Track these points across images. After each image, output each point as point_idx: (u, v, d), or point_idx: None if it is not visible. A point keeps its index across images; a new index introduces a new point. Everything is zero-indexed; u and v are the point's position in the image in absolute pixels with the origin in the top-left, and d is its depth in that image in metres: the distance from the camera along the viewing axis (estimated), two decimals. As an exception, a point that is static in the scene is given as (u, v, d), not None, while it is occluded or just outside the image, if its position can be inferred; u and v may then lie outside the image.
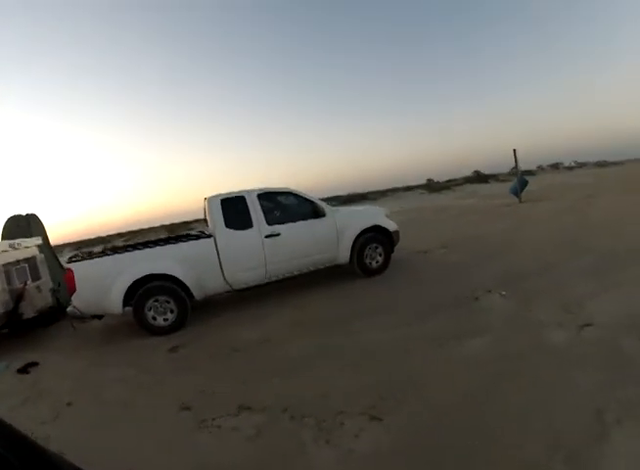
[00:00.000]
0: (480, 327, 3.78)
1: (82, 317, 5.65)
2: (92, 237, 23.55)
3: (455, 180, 26.34)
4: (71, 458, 0.63)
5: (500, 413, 2.42)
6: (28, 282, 6.62)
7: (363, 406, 2.70)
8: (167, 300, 5.26)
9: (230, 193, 5.65)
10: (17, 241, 7.01)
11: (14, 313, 6.29)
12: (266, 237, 5.45)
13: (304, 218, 5.75)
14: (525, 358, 3.06)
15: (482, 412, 2.45)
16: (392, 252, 6.43)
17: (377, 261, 6.22)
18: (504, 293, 4.61)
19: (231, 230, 5.41)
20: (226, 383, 3.54)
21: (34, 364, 5.26)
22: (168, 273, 5.19)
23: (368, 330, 4.16)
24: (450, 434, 2.30)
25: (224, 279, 5.39)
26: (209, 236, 5.45)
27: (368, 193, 25.67)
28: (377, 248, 6.19)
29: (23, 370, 5.09)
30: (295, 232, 5.65)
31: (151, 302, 5.23)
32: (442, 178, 29.54)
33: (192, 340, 4.93)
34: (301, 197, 5.88)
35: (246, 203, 5.53)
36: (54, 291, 7.26)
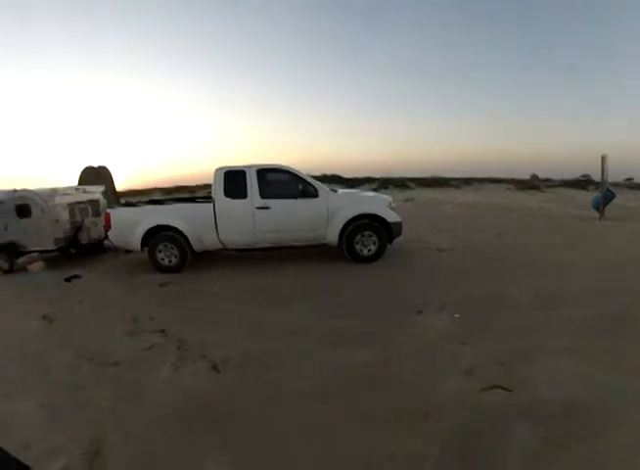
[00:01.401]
0: (383, 340, 3.74)
1: (116, 249, 7.26)
2: (168, 186, 26.14)
3: (552, 181, 23.63)
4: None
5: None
6: (87, 219, 8.49)
7: (208, 357, 3.60)
8: (172, 246, 6.65)
9: (234, 166, 6.55)
10: (84, 187, 9.02)
11: (74, 239, 8.23)
12: (257, 208, 6.28)
13: (296, 197, 6.31)
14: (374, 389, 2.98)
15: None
16: (390, 243, 6.59)
17: (369, 250, 6.43)
18: (457, 315, 4.16)
19: (228, 198, 6.40)
20: (167, 310, 5.04)
21: (77, 277, 7.22)
22: (172, 225, 6.51)
23: (282, 310, 4.66)
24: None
25: (218, 238, 6.51)
26: (210, 201, 6.55)
27: (450, 179, 24.23)
28: (371, 236, 6.39)
29: (68, 279, 7.08)
30: (284, 207, 6.30)
31: (160, 246, 6.67)
32: (552, 176, 26.06)
33: (178, 281, 6.26)
34: (298, 177, 6.40)
35: (245, 176, 6.37)
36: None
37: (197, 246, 6.61)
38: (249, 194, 6.29)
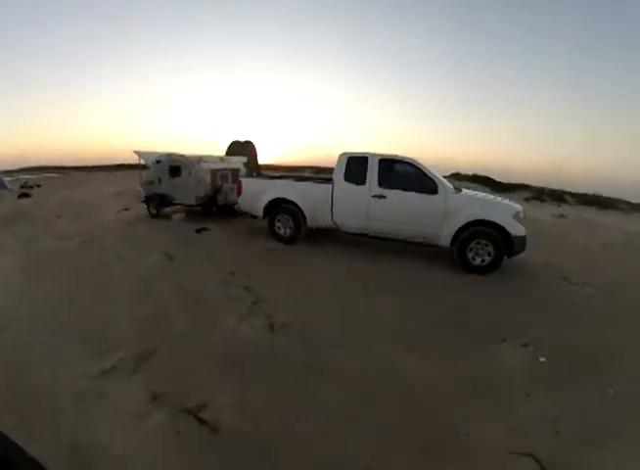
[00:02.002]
0: (445, 356, 3.47)
1: (244, 213, 8.14)
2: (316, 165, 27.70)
3: None
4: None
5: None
6: (226, 184, 9.70)
7: (272, 318, 4.01)
8: (289, 219, 7.23)
9: (358, 153, 6.64)
10: (227, 157, 10.35)
11: (213, 199, 9.51)
12: (373, 196, 6.30)
13: (414, 190, 6.10)
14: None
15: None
16: (509, 257, 5.88)
17: (482, 260, 5.87)
18: (543, 359, 3.46)
19: (347, 183, 6.58)
20: (263, 271, 5.72)
21: (206, 229, 8.54)
22: (292, 200, 7.07)
23: (362, 299, 4.67)
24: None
25: (332, 218, 6.80)
26: (330, 182, 6.81)
27: (618, 201, 20.18)
28: (487, 245, 5.80)
29: (198, 231, 8.45)
30: (399, 199, 6.17)
31: (279, 216, 7.34)
32: None
33: (285, 251, 6.84)
34: (420, 170, 6.15)
35: (366, 163, 6.44)
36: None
37: (311, 222, 7.04)
38: (367, 181, 6.36)
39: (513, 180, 21.28)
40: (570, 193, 21.01)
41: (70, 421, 2.55)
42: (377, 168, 6.33)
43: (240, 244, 7.30)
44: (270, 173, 9.63)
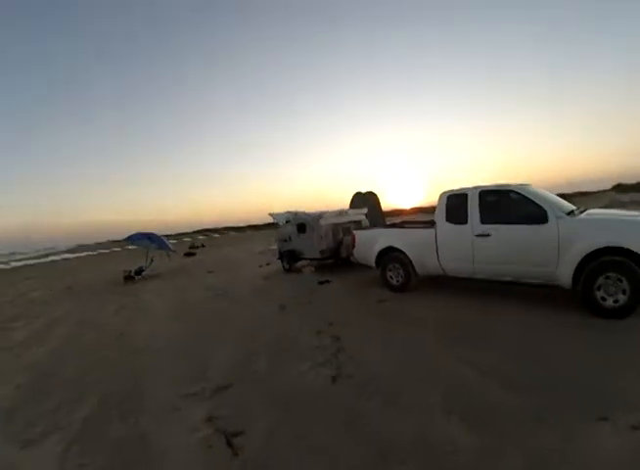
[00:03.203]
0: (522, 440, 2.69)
1: (360, 264, 8.65)
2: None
3: None
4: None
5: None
6: (347, 237, 10.58)
7: (342, 370, 3.90)
8: (399, 267, 7.25)
9: (457, 189, 6.34)
10: (347, 210, 11.24)
11: (336, 252, 10.38)
12: (476, 236, 5.82)
13: (519, 222, 5.41)
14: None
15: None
16: None
17: (615, 300, 4.59)
18: None
19: (449, 224, 6.27)
20: (362, 323, 5.61)
21: (327, 282, 9.22)
22: (398, 247, 7.15)
23: (453, 360, 3.94)
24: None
25: (439, 264, 6.51)
26: (432, 226, 6.65)
27: None
28: (620, 280, 4.52)
29: (321, 283, 9.19)
30: (504, 235, 5.55)
31: (390, 266, 7.45)
32: None
33: (396, 300, 6.75)
34: (525, 197, 5.44)
35: (467, 200, 6.04)
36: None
37: (420, 269, 6.89)
38: (469, 219, 5.96)
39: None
40: None
41: (146, 419, 3.63)
42: (477, 204, 5.90)
43: (353, 295, 7.59)
44: (397, 221, 10.01)
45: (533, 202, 5.39)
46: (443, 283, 7.34)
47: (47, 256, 62.95)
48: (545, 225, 5.20)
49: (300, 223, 11.19)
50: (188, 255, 25.10)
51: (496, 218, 5.73)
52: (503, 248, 5.60)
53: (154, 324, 7.29)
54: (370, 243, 7.87)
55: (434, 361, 4.04)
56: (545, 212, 5.23)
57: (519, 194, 5.58)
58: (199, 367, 4.76)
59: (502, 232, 5.61)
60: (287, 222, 11.92)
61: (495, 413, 2.99)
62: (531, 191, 5.59)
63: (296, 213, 11.60)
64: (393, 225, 8.89)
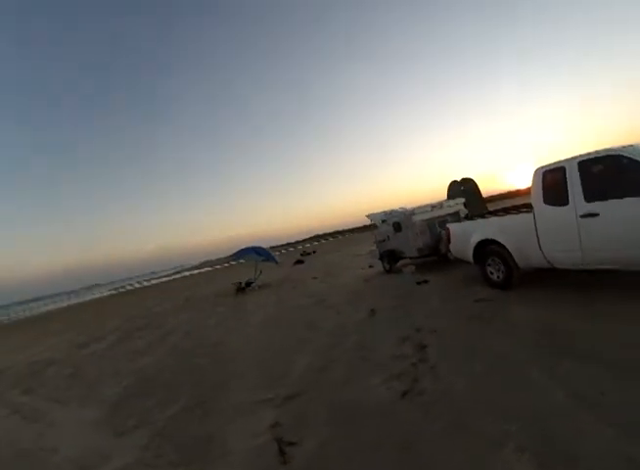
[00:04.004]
0: None
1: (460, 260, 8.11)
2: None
3: None
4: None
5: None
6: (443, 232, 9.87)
7: (418, 382, 3.54)
8: (499, 261, 6.53)
9: (554, 164, 5.38)
10: (442, 202, 10.62)
11: (435, 249, 9.92)
12: (582, 217, 4.85)
13: (635, 194, 4.30)
14: None
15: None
16: None
17: None
18: None
19: (548, 206, 5.36)
20: (458, 327, 5.25)
21: (426, 282, 8.86)
22: (495, 239, 6.47)
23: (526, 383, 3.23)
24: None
25: (543, 255, 5.61)
26: (529, 211, 5.77)
27: None
28: None
29: (419, 283, 8.87)
30: (618, 212, 4.49)
31: (489, 260, 6.80)
32: None
33: (496, 300, 6.05)
34: (637, 161, 4.29)
35: (565, 175, 5.10)
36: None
37: (522, 262, 6.07)
38: (570, 198, 5.01)
39: None
40: None
41: (220, 421, 4.05)
42: (578, 178, 4.94)
43: (450, 295, 7.08)
44: (505, 206, 8.93)
45: None
46: (553, 276, 6.38)
47: (178, 272, 71.71)
48: None
49: (396, 222, 10.93)
50: (298, 262, 26.28)
51: (604, 193, 4.71)
52: (617, 228, 4.57)
53: (249, 334, 7.88)
54: (466, 236, 7.26)
55: (522, 380, 3.45)
56: None
57: (629, 159, 4.48)
58: (278, 374, 5.05)
59: (613, 209, 4.59)
60: (383, 222, 11.76)
61: (583, 460, 2.33)
62: None
63: (390, 212, 11.37)
64: (491, 213, 8.10)
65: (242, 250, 16.21)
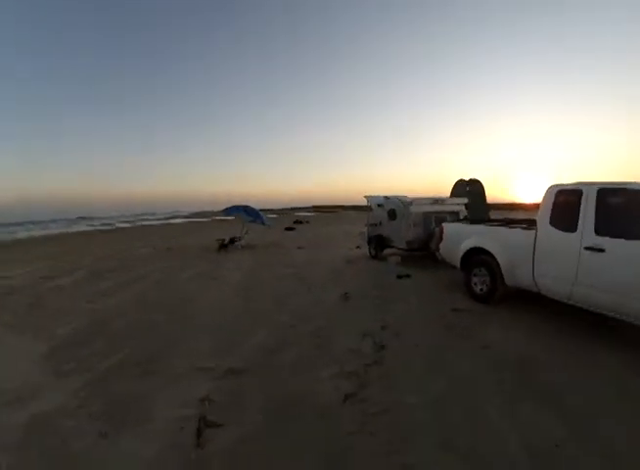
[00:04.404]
0: None
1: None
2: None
3: None
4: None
5: None
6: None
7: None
8: (486, 273, 6.15)
9: (571, 184, 4.90)
10: (444, 198, 10.10)
11: (425, 244, 9.53)
12: (586, 249, 4.43)
13: None
14: None
15: None
16: None
17: None
18: None
19: (554, 229, 4.93)
20: (420, 332, 4.82)
21: (408, 276, 8.51)
22: (487, 249, 6.05)
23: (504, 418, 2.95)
24: None
25: (533, 277, 5.25)
26: (532, 229, 5.38)
27: None
28: None
29: (400, 276, 8.50)
30: (625, 254, 4.04)
31: (476, 269, 6.41)
32: None
33: (475, 314, 5.68)
34: None
35: (580, 199, 4.64)
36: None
37: (509, 279, 5.70)
38: (580, 225, 4.57)
39: None
40: None
41: (153, 383, 3.46)
42: (594, 206, 4.47)
43: (428, 297, 6.71)
44: (511, 217, 8.42)
45: None
46: (542, 298, 5.96)
47: (170, 218, 71.35)
48: None
49: (392, 209, 10.45)
50: (288, 229, 25.85)
51: (617, 229, 4.26)
52: (620, 271, 4.13)
53: (216, 296, 7.48)
54: (458, 239, 6.84)
55: (477, 415, 3.09)
56: None
57: None
58: (229, 344, 4.81)
59: (623, 249, 4.12)
60: (379, 206, 11.26)
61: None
62: None
63: (390, 199, 10.85)
64: (493, 221, 7.64)
65: (232, 207, 15.71)
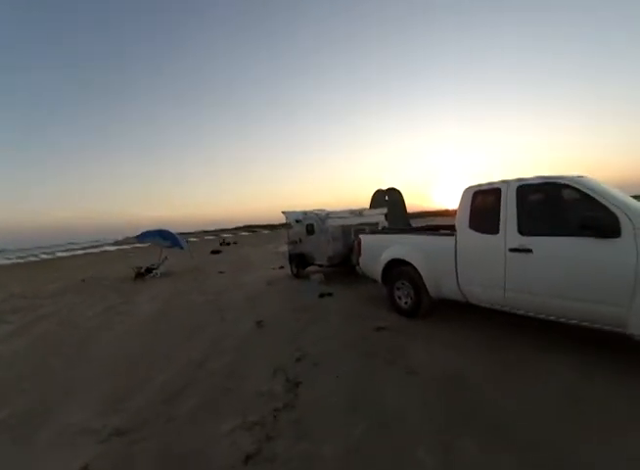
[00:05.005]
0: None
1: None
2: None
3: None
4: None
5: None
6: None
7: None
8: (410, 285, 5.55)
9: (487, 184, 4.58)
10: (361, 209, 9.55)
11: (346, 258, 8.84)
12: (511, 251, 4.04)
13: (577, 234, 3.53)
14: None
15: None
16: None
17: None
18: None
19: (473, 232, 4.54)
20: (338, 353, 4.11)
21: (330, 295, 7.82)
22: (408, 260, 5.49)
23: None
24: None
25: (458, 286, 4.77)
26: (451, 234, 4.90)
27: None
28: None
29: (322, 295, 7.80)
30: (552, 252, 3.72)
31: (399, 283, 5.80)
32: None
33: (400, 331, 5.09)
34: (586, 195, 3.56)
35: (500, 198, 4.30)
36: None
37: (433, 291, 5.18)
38: (501, 226, 4.20)
39: None
40: None
41: (28, 446, 3.13)
42: (515, 204, 4.13)
43: (350, 317, 6.01)
44: (438, 223, 8.04)
45: (599, 202, 3.50)
46: (473, 306, 5.29)
47: (96, 247, 66.75)
48: (616, 241, 3.33)
49: (309, 224, 9.76)
50: (214, 252, 24.49)
51: (542, 227, 3.91)
52: (549, 271, 3.75)
53: (122, 334, 6.60)
54: (377, 251, 6.22)
55: (406, 462, 2.43)
56: (617, 220, 3.35)
57: (577, 190, 3.68)
58: (123, 394, 4.04)
59: (549, 248, 3.77)
60: (297, 222, 10.50)
61: None
62: (595, 186, 3.67)
63: (305, 213, 10.14)
64: (412, 230, 7.10)
65: (145, 232, 14.26)
